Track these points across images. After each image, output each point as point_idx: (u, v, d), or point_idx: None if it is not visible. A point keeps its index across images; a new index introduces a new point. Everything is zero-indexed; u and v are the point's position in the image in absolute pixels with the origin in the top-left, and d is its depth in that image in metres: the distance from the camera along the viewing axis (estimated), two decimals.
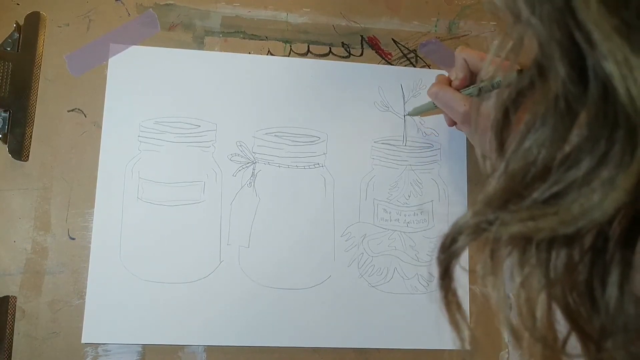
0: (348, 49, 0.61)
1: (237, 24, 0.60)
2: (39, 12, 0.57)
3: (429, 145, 0.59)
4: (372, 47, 0.61)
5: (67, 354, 0.52)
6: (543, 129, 0.23)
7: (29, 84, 0.56)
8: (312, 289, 0.55)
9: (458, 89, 0.51)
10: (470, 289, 0.55)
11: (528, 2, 0.21)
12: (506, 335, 0.56)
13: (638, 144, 0.19)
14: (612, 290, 0.23)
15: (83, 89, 0.56)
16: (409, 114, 0.59)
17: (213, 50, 0.59)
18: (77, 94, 0.56)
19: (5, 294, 0.52)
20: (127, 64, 0.57)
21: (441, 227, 0.58)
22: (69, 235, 0.54)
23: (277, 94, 0.58)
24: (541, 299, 0.24)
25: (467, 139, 0.59)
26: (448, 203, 0.58)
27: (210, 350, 0.53)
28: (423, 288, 0.56)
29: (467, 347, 0.29)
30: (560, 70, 0.21)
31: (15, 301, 0.52)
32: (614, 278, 0.23)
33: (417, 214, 0.58)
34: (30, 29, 0.57)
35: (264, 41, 0.60)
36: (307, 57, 0.60)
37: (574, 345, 0.25)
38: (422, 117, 0.60)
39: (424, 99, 0.57)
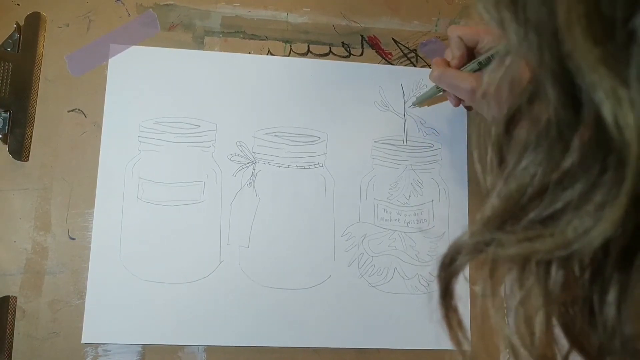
0: (348, 49, 0.60)
1: (237, 24, 0.60)
2: (39, 12, 0.57)
3: (429, 145, 0.59)
4: (372, 46, 0.61)
5: (67, 354, 0.52)
6: (538, 150, 0.23)
7: (29, 84, 0.56)
8: (312, 289, 0.55)
9: (458, 68, 0.51)
10: (470, 288, 0.55)
11: (517, 31, 0.21)
12: (506, 354, 0.56)
13: (625, 176, 0.19)
14: (610, 310, 0.23)
15: (83, 89, 0.56)
16: (413, 104, 0.59)
17: (213, 50, 0.59)
18: (77, 94, 0.56)
19: (6, 294, 0.52)
20: (127, 64, 0.57)
21: (441, 227, 0.58)
22: (69, 235, 0.54)
23: (277, 94, 0.58)
24: (539, 317, 0.25)
25: (467, 139, 0.59)
26: (448, 203, 0.58)
27: (210, 350, 0.53)
28: (423, 288, 0.56)
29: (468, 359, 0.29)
30: (551, 95, 0.21)
31: (16, 301, 0.52)
32: (611, 298, 0.23)
33: (417, 214, 0.58)
34: (30, 30, 0.57)
35: (264, 41, 0.60)
36: (307, 57, 0.60)
37: None
38: (422, 117, 0.59)
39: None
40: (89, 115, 0.56)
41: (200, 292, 0.54)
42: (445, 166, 0.59)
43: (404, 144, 0.59)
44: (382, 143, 0.59)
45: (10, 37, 0.56)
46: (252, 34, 0.60)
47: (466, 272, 0.27)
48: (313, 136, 0.58)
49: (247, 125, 0.57)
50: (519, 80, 0.24)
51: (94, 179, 0.55)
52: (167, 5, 0.59)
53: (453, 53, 0.51)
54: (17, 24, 0.56)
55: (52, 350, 0.52)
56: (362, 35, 0.61)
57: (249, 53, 0.59)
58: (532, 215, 0.23)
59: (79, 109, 0.56)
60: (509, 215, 0.24)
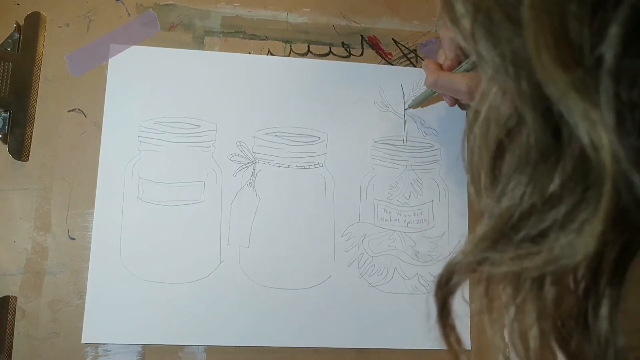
0: (348, 49, 0.60)
1: (237, 24, 0.60)
2: (39, 12, 0.57)
3: (429, 145, 0.59)
4: (372, 47, 0.61)
5: (67, 354, 0.52)
6: (524, 172, 0.23)
7: (29, 84, 0.56)
8: (312, 289, 0.55)
9: (451, 69, 0.51)
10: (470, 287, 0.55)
11: (493, 63, 0.22)
12: None
13: (603, 194, 0.20)
14: (603, 324, 0.23)
15: (83, 89, 0.56)
16: (409, 107, 0.59)
17: (213, 50, 0.59)
18: (77, 94, 0.56)
19: (6, 294, 0.52)
20: (127, 64, 0.57)
21: (441, 227, 0.58)
22: (69, 235, 0.54)
23: (277, 94, 0.58)
24: (534, 332, 0.25)
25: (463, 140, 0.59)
26: (448, 203, 0.58)
27: (210, 350, 0.53)
28: (423, 288, 0.56)
29: None
30: (530, 120, 0.22)
31: (16, 301, 0.52)
32: (604, 312, 0.23)
33: (417, 214, 0.58)
34: (30, 29, 0.57)
35: (264, 41, 0.60)
36: (307, 57, 0.60)
37: None
38: (422, 117, 0.59)
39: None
40: (89, 115, 0.56)
41: (201, 292, 0.54)
42: (445, 166, 0.59)
43: (404, 144, 0.59)
44: (382, 143, 0.59)
45: (10, 37, 0.56)
46: (252, 34, 0.60)
47: (465, 291, 0.27)
48: (313, 136, 0.58)
49: (247, 125, 0.57)
50: (500, 114, 0.24)
51: (94, 179, 0.55)
52: (167, 5, 0.59)
53: (446, 54, 0.51)
54: (17, 24, 0.56)
55: (52, 350, 0.52)
56: (362, 36, 0.61)
57: (249, 53, 0.59)
58: (522, 233, 0.24)
59: (79, 109, 0.56)
60: (501, 235, 0.25)
